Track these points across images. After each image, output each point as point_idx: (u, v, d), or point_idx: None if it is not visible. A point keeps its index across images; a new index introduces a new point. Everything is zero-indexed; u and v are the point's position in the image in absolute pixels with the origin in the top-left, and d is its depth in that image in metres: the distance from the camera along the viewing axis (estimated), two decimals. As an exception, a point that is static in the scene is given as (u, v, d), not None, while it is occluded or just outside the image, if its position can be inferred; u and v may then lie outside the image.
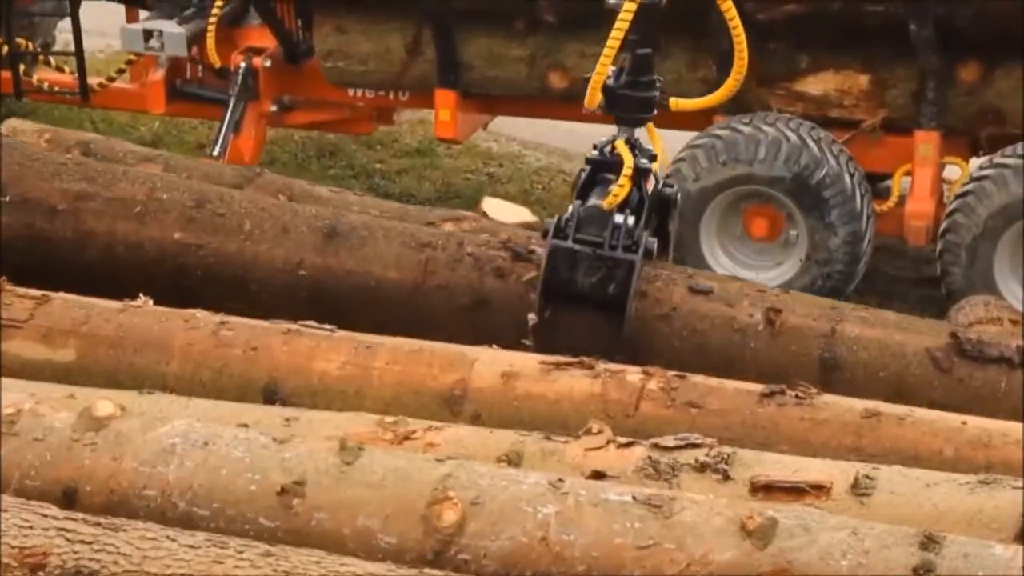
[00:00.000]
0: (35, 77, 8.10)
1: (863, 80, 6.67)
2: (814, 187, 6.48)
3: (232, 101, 7.48)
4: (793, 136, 6.48)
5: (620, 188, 4.43)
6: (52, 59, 8.18)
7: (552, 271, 4.32)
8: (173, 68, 7.86)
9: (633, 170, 4.48)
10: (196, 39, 7.59)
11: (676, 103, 4.81)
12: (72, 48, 7.97)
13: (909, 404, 3.80)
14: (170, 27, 7.56)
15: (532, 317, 4.27)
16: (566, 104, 7.27)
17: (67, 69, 8.11)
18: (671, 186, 4.78)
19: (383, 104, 7.70)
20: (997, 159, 6.34)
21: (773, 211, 6.66)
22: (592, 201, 4.45)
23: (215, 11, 7.48)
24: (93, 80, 8.01)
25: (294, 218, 4.47)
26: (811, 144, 6.47)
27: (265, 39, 7.60)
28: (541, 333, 4.26)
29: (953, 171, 6.79)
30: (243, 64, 7.47)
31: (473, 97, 7.35)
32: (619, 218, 4.38)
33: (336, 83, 7.49)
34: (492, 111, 7.71)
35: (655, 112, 4.69)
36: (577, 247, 4.33)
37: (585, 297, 4.31)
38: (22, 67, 7.96)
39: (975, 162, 6.67)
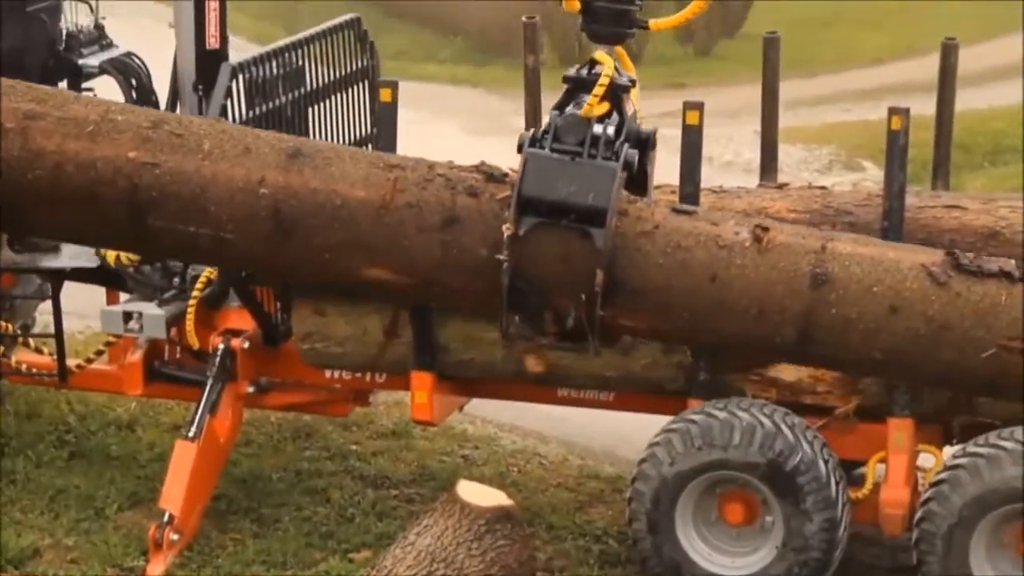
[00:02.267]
0: (13, 359, 8.14)
1: (836, 367, 6.73)
2: (789, 473, 6.48)
3: (210, 382, 7.50)
4: (767, 422, 6.51)
5: (598, 91, 4.16)
6: (31, 341, 8.23)
7: (528, 181, 4.01)
8: (151, 349, 7.90)
9: (611, 81, 4.19)
10: (175, 321, 7.66)
11: (655, 23, 4.58)
12: (52, 330, 8.03)
13: (905, 318, 3.55)
14: (150, 309, 7.63)
15: (507, 227, 4.00)
16: (542, 387, 7.32)
17: (46, 351, 8.15)
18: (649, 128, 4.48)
19: (360, 386, 7.74)
20: (970, 448, 6.36)
21: (749, 496, 6.65)
22: (569, 111, 4.16)
23: (195, 293, 7.57)
24: (72, 362, 8.05)
25: (256, 139, 4.22)
26: (785, 430, 6.50)
27: (244, 321, 7.66)
28: (516, 248, 3.96)
29: (928, 459, 6.80)
30: (221, 346, 7.52)
31: (449, 379, 7.39)
32: (598, 128, 4.11)
33: (313, 365, 7.53)
34: (468, 393, 7.74)
35: (633, 30, 4.44)
36: (555, 155, 4.05)
37: (563, 208, 3.99)
38: (1, 349, 8.01)
39: (949, 450, 6.70)
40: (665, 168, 6.31)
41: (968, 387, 3.87)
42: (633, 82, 4.34)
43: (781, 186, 7.14)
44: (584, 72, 4.40)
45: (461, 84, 21.39)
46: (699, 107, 6.63)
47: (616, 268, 3.89)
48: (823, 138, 17.75)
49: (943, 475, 6.37)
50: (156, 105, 8.08)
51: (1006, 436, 6.32)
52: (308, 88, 7.91)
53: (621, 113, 4.24)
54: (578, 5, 4.37)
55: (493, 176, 4.10)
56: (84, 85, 8.19)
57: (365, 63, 8.28)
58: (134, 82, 8.12)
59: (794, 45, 17.97)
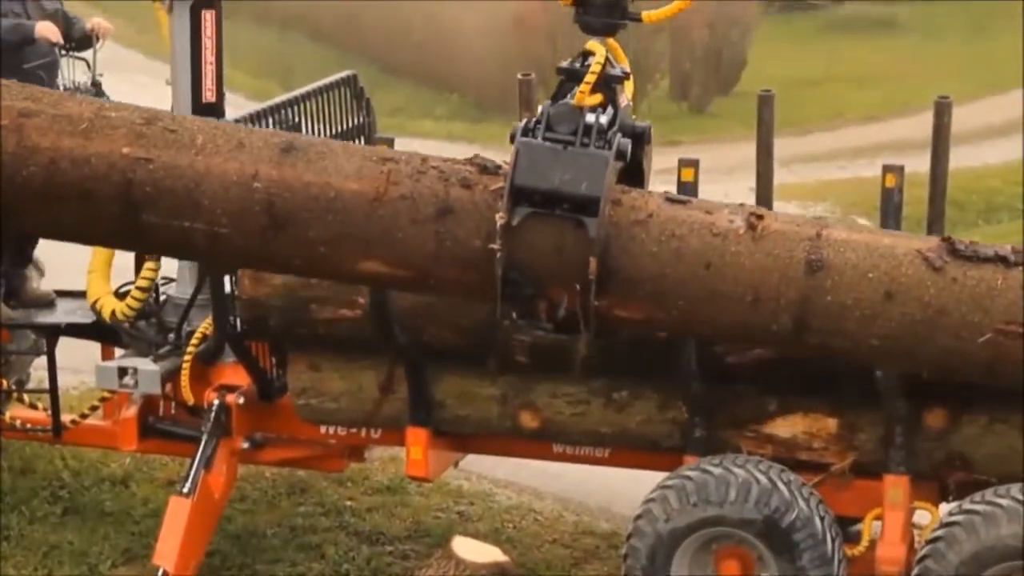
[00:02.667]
0: (7, 414, 8.14)
1: (832, 423, 6.73)
2: (785, 530, 6.47)
3: (204, 438, 7.49)
4: (763, 478, 6.50)
5: (589, 79, 4.14)
6: (26, 396, 8.22)
7: (521, 170, 3.98)
8: (146, 405, 7.90)
9: (603, 72, 4.16)
10: (170, 376, 7.65)
11: (648, 15, 4.51)
12: (46, 385, 8.02)
13: (901, 303, 3.52)
14: (145, 364, 7.62)
15: (500, 217, 3.95)
16: (537, 443, 7.31)
17: (40, 406, 8.15)
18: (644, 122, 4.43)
19: (355, 441, 7.73)
20: (966, 505, 6.35)
21: (744, 553, 6.63)
22: (562, 100, 4.13)
23: (190, 349, 7.57)
24: (66, 417, 8.04)
25: (250, 135, 4.18)
26: (781, 486, 6.49)
27: (239, 376, 7.66)
28: (509, 238, 3.94)
29: (924, 516, 6.79)
30: (216, 401, 7.52)
31: (445, 435, 7.38)
32: (591, 117, 4.08)
33: (308, 420, 7.52)
34: (464, 449, 7.73)
35: (626, 21, 4.40)
36: (547, 144, 4.02)
37: (556, 198, 3.97)
38: (-5, 405, 8.02)
39: (945, 507, 6.69)
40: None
41: (965, 373, 3.86)
42: (627, 74, 4.32)
43: (776, 243, 7.15)
44: (577, 64, 4.39)
45: (457, 140, 21.45)
46: (694, 164, 6.66)
47: (610, 257, 3.90)
48: (818, 195, 17.81)
49: (939, 532, 6.35)
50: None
51: (1002, 493, 6.31)
52: None
53: (615, 105, 4.23)
54: None
55: (487, 168, 4.12)
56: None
57: (361, 120, 8.31)
58: (131, 138, 8.13)
59: (788, 103, 18.05)
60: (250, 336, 7.45)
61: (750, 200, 7.74)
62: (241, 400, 7.55)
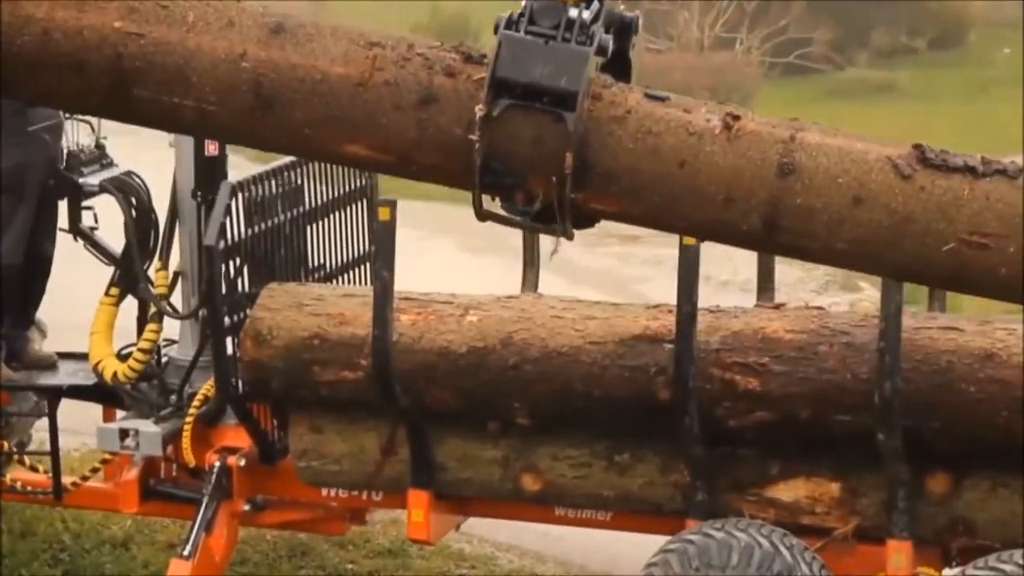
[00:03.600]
0: (8, 477, 8.12)
1: (834, 488, 6.72)
2: (788, 594, 6.44)
3: (205, 500, 7.48)
4: (765, 542, 6.48)
5: None
6: (27, 458, 8.22)
7: (503, 62, 3.98)
8: (147, 467, 7.88)
9: None
10: (172, 438, 7.65)
11: None
12: (47, 447, 8.02)
13: (869, 209, 3.71)
14: (146, 426, 7.62)
15: (480, 108, 3.94)
16: (539, 506, 7.29)
17: (41, 468, 8.13)
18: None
19: (356, 504, 7.71)
20: (969, 571, 6.33)
21: (747, 619, 6.60)
22: None
23: (192, 410, 7.57)
24: (67, 479, 8.02)
25: (240, 13, 4.18)
26: (784, 551, 6.47)
27: (240, 438, 7.65)
28: (489, 128, 3.96)
29: (926, 581, 6.77)
30: (218, 463, 7.51)
31: (446, 498, 7.36)
32: (573, 12, 4.08)
33: (310, 483, 7.50)
34: (465, 512, 7.71)
35: None
36: (529, 37, 4.01)
37: (536, 91, 3.98)
38: (-4, 467, 8.01)
39: (948, 573, 6.66)
40: (662, 288, 6.37)
41: (929, 280, 3.94)
42: None
43: (778, 306, 7.17)
44: None
45: (459, 202, 21.46)
46: (696, 227, 6.67)
47: (588, 151, 3.94)
48: (819, 258, 17.79)
49: (943, 598, 6.33)
50: (156, 224, 8.13)
51: (1005, 559, 6.29)
52: (307, 206, 7.96)
53: (600, 2, 4.31)
54: None
55: (471, 57, 4.09)
56: (84, 204, 8.25)
57: (364, 182, 8.35)
58: (134, 201, 8.17)
59: (790, 166, 18.07)
60: (252, 398, 7.45)
61: (751, 264, 7.78)
62: (242, 462, 7.54)
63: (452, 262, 17.31)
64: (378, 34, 4.22)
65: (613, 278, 17.28)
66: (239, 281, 7.51)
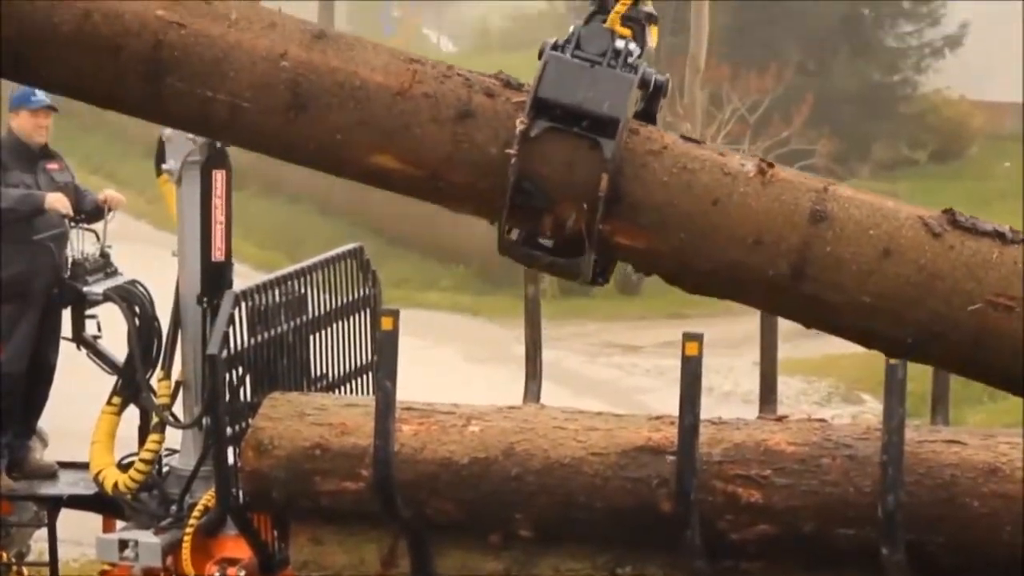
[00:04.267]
0: (8, 586, 8.08)
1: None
2: None
3: (206, 602, 7.43)
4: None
5: (624, 4, 4.19)
6: (26, 569, 8.17)
7: (546, 82, 4.02)
8: (146, 578, 7.83)
9: (637, 3, 4.21)
10: (171, 549, 7.60)
11: None
12: (47, 558, 7.97)
13: (897, 263, 3.77)
14: (146, 537, 7.58)
15: (521, 122, 3.98)
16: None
17: (39, 577, 8.09)
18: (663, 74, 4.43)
19: (354, 617, 7.64)
20: None
21: None
22: (594, 20, 4.19)
23: (192, 521, 7.53)
24: (65, 587, 7.97)
25: (282, 18, 4.25)
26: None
27: (241, 550, 7.61)
28: (526, 147, 4.00)
29: None
30: (218, 574, 7.46)
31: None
32: (620, 43, 4.15)
33: (310, 595, 7.45)
34: (466, 626, 7.65)
35: None
36: (575, 60, 4.07)
37: (576, 114, 4.02)
38: (-5, 577, 7.97)
39: None
40: (665, 398, 6.36)
41: (951, 340, 3.91)
42: (654, 17, 4.40)
43: (780, 418, 7.15)
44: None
45: (462, 312, 21.57)
46: (699, 338, 6.68)
47: (621, 180, 3.99)
48: (822, 370, 17.83)
49: None
50: (159, 333, 8.15)
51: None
52: (310, 316, 7.98)
53: (642, 45, 4.28)
54: None
55: (510, 83, 4.16)
56: (88, 312, 8.28)
57: (367, 291, 8.37)
58: (137, 310, 8.20)
59: (792, 277, 18.12)
60: (252, 508, 7.41)
61: (754, 375, 7.77)
62: (242, 574, 7.49)
63: (455, 372, 17.32)
64: (416, 54, 4.30)
65: (615, 388, 17.27)
66: (241, 390, 7.50)
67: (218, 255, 7.91)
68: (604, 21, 4.26)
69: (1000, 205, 27.91)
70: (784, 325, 7.63)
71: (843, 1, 29.61)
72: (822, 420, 7.21)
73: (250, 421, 7.34)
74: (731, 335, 18.52)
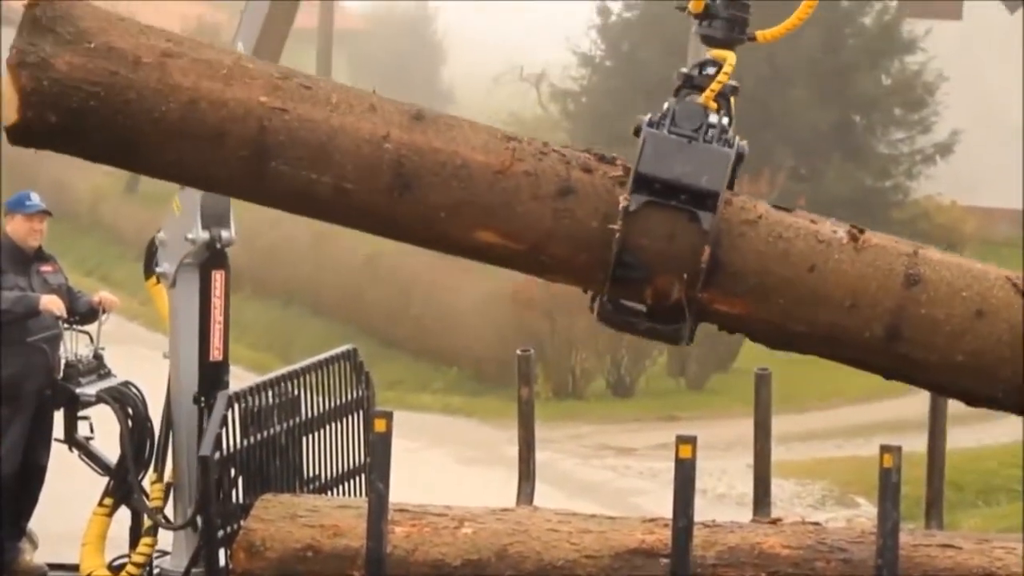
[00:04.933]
0: None
1: None
2: None
3: None
4: None
5: (719, 82, 4.34)
6: None
7: (646, 159, 4.15)
8: None
9: (728, 78, 4.35)
10: None
11: (763, 34, 4.69)
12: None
13: (990, 323, 3.90)
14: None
15: (624, 199, 4.11)
16: None
17: None
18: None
19: None
20: None
21: None
22: (687, 97, 4.32)
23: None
24: None
25: (380, 100, 4.32)
26: None
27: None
28: (627, 221, 4.11)
29: None
30: None
31: None
32: (714, 118, 4.27)
33: None
34: None
35: (744, 36, 4.59)
36: (673, 136, 4.19)
37: (675, 188, 4.13)
38: None
39: None
40: (659, 501, 6.34)
41: None
42: (736, 89, 4.55)
43: (775, 521, 7.13)
44: (695, 72, 4.58)
45: (455, 414, 21.51)
46: (692, 441, 6.67)
47: (719, 251, 4.12)
48: (816, 473, 17.77)
49: None
50: (152, 434, 8.12)
51: None
52: (303, 417, 7.97)
53: (730, 115, 4.47)
54: (702, 6, 4.55)
55: (605, 158, 4.29)
56: (80, 413, 8.26)
57: (360, 393, 8.37)
58: (130, 411, 8.18)
59: (785, 380, 18.10)
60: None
61: (747, 477, 7.75)
62: None
63: (447, 474, 17.25)
64: (511, 132, 4.38)
65: (609, 490, 17.19)
66: (233, 492, 7.47)
67: (216, 355, 7.92)
68: (694, 96, 4.45)
69: (992, 309, 27.95)
70: (777, 428, 7.63)
71: (835, 108, 29.84)
72: (816, 523, 7.18)
73: (242, 522, 7.31)
74: (724, 437, 18.47)
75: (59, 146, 4.51)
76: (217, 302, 7.90)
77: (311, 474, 8.04)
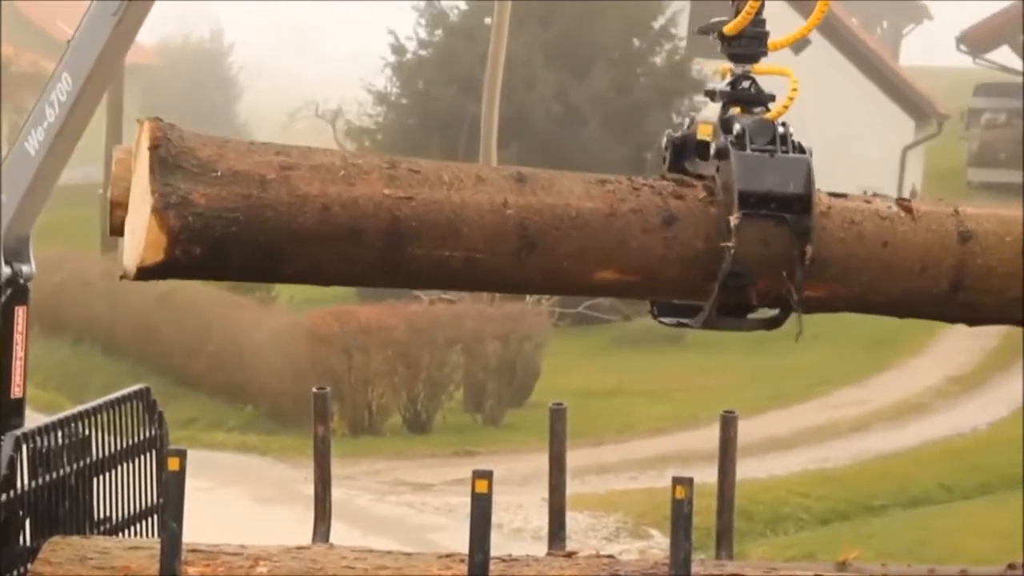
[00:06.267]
0: None
1: None
2: None
3: None
4: None
5: (792, 95, 4.75)
6: None
7: (741, 177, 4.51)
8: None
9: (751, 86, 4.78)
10: None
11: (773, 43, 5.04)
12: None
13: None
14: None
15: (734, 218, 4.45)
16: None
17: None
18: None
19: None
20: None
21: None
22: (755, 115, 4.72)
23: (-33, 671, 7.28)
24: None
25: (482, 170, 4.55)
26: None
27: None
28: (739, 234, 4.48)
29: None
30: None
31: None
32: (781, 130, 4.65)
33: None
34: None
35: (765, 49, 4.97)
36: (756, 154, 4.57)
37: (765, 199, 4.51)
38: None
39: None
40: (455, 536, 6.36)
41: None
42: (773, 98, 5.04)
43: (570, 554, 7.19)
44: (729, 88, 4.94)
45: (250, 452, 21.32)
46: (488, 475, 6.70)
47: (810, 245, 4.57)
48: (610, 506, 17.99)
49: None
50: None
51: None
52: (94, 458, 7.84)
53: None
54: (738, 29, 4.94)
55: (684, 182, 4.66)
56: None
57: (153, 432, 8.25)
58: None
59: (581, 414, 18.30)
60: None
61: (543, 511, 7.81)
62: None
63: (243, 513, 17.09)
64: (597, 176, 4.67)
65: (406, 527, 17.19)
66: (21, 535, 7.32)
67: (17, 391, 7.76)
68: (756, 113, 4.84)
69: (779, 343, 28.64)
70: (573, 462, 7.70)
71: (627, 146, 30.29)
72: (611, 556, 7.26)
73: (29, 566, 7.16)
74: (520, 471, 18.60)
75: (200, 275, 4.58)
76: (19, 338, 7.75)
77: (102, 516, 7.91)
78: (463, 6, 35.70)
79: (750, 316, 4.82)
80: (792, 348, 28.24)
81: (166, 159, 4.53)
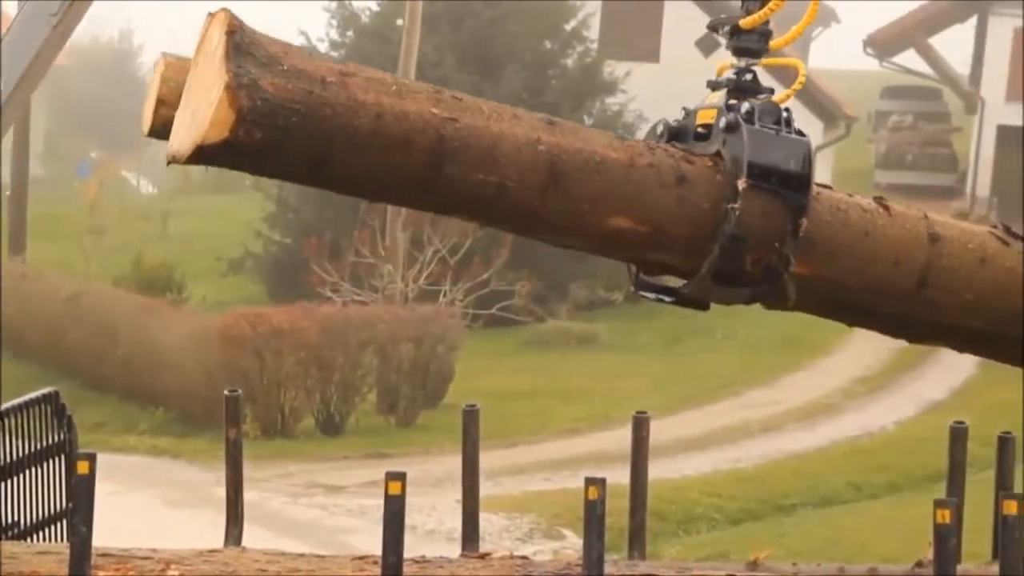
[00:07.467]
0: None
1: None
2: None
3: None
4: None
5: (798, 85, 5.16)
6: None
7: (750, 148, 4.85)
8: None
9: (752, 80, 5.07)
10: None
11: (775, 43, 5.33)
12: None
13: (990, 269, 4.85)
14: None
15: (742, 183, 4.78)
16: None
17: None
18: None
19: None
20: None
21: None
22: (764, 97, 5.05)
23: None
24: None
25: (518, 110, 4.84)
26: None
27: None
28: (744, 199, 4.79)
29: None
30: None
31: None
32: (785, 114, 5.00)
33: None
34: None
35: (768, 46, 5.30)
36: (765, 130, 4.91)
37: (767, 173, 4.85)
38: None
39: None
40: (368, 538, 6.34)
41: None
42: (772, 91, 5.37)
43: (483, 555, 7.19)
44: (732, 77, 5.24)
45: (162, 456, 21.17)
46: (401, 477, 6.68)
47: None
48: (523, 507, 18.03)
49: None
50: None
51: None
52: (1, 462, 7.75)
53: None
54: (753, 23, 5.24)
55: (692, 152, 4.94)
56: None
57: (62, 437, 8.17)
58: None
59: (494, 416, 18.36)
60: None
61: (457, 513, 7.81)
62: None
63: (154, 516, 16.96)
64: (618, 134, 4.97)
65: (319, 529, 17.14)
66: (-73, 541, 7.22)
67: None
68: (767, 97, 5.14)
69: (692, 343, 28.83)
70: (486, 463, 7.70)
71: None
72: (524, 557, 7.26)
73: (-64, 573, 7.07)
74: (434, 473, 18.59)
75: (249, 164, 4.75)
76: None
77: (10, 521, 7.82)
78: (375, 7, 35.64)
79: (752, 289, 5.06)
80: (704, 349, 28.67)
81: (240, 45, 4.72)
